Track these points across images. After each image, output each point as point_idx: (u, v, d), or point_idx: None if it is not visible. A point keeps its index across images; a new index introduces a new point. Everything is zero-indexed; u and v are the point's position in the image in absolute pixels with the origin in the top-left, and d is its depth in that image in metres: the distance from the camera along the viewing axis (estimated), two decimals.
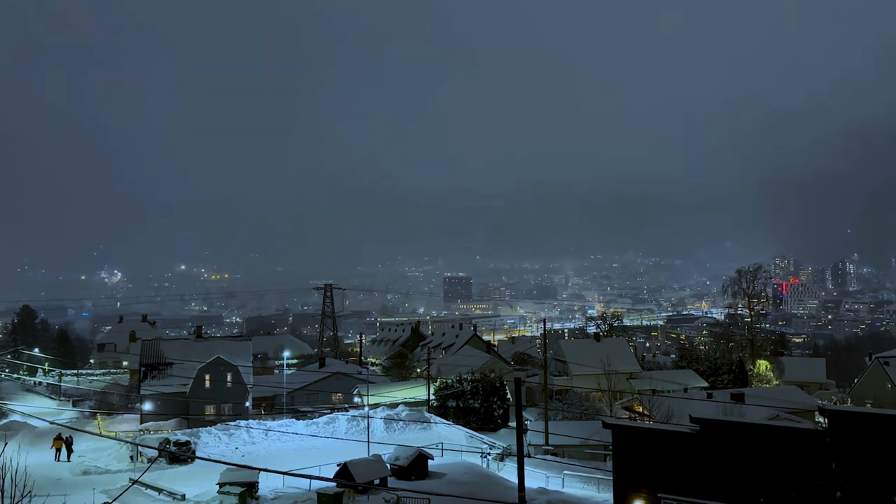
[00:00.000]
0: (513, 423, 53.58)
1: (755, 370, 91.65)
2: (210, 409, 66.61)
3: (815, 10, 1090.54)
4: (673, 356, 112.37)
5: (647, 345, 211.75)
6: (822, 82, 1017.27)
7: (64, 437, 51.41)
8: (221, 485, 38.58)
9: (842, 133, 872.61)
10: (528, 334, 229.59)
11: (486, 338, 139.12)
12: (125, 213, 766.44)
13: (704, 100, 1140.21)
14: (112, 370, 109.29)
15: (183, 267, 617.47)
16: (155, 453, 49.27)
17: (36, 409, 69.14)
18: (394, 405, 65.43)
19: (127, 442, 51.25)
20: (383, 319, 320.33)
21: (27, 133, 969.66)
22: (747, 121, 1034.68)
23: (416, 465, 43.43)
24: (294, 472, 28.27)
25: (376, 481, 39.93)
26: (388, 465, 43.20)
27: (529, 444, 53.00)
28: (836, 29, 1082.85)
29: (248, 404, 69.18)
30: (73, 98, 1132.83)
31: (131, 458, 50.42)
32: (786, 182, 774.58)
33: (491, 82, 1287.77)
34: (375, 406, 63.40)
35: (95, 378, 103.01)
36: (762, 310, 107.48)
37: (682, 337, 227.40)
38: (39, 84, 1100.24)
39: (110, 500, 28.59)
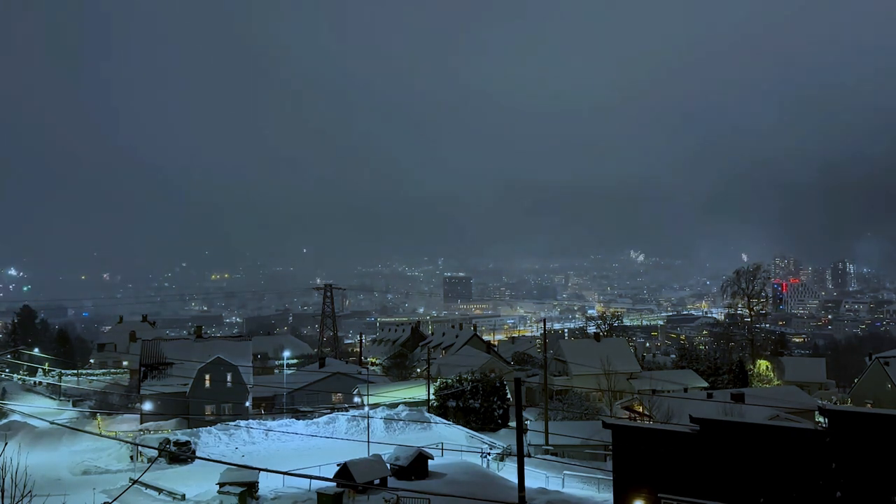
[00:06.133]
0: (513, 423, 53.58)
1: (755, 370, 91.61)
2: (210, 409, 66.61)
3: (824, 10, 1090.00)
4: (673, 356, 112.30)
5: (647, 345, 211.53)
6: (824, 81, 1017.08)
7: None
8: (221, 485, 38.60)
9: (843, 132, 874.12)
10: (528, 334, 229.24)
11: (486, 338, 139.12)
12: (125, 212, 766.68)
13: (704, 99, 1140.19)
14: (112, 370, 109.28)
15: (183, 265, 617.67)
16: (155, 453, 49.28)
17: (36, 409, 69.12)
18: (394, 405, 65.41)
19: (127, 442, 51.23)
20: (383, 319, 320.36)
21: (27, 133, 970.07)
22: (748, 120, 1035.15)
23: (416, 465, 43.42)
24: (294, 472, 28.27)
25: (376, 481, 39.93)
26: (388, 465, 43.19)
27: (529, 444, 53.00)
28: (839, 23, 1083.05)
29: (248, 404, 69.18)
30: (73, 97, 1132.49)
31: (131, 458, 50.42)
32: (786, 182, 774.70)
33: (490, 82, 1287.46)
34: (375, 406, 63.38)
35: (95, 378, 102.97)
36: (762, 310, 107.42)
37: (682, 337, 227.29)
38: (38, 82, 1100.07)
39: (110, 500, 28.57)
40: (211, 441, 54.58)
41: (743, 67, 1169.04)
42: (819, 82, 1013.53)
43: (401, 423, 60.06)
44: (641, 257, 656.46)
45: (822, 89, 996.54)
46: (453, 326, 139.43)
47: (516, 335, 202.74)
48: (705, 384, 78.81)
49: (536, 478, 44.24)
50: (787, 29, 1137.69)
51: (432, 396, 67.28)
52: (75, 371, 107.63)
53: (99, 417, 69.68)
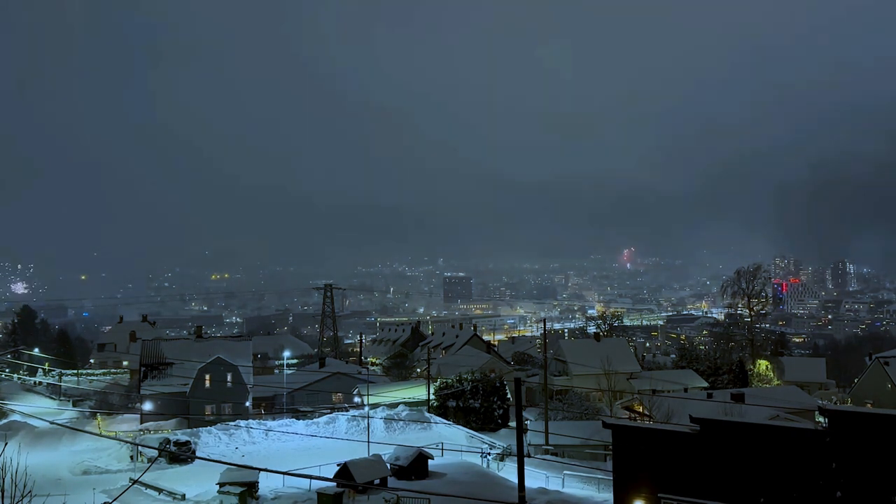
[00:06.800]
0: (513, 423, 53.60)
1: (755, 370, 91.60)
2: (210, 409, 66.61)
3: (823, 11, 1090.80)
4: (673, 356, 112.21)
5: (647, 345, 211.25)
6: (823, 79, 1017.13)
7: None
8: (221, 485, 38.62)
9: (842, 132, 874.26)
10: (528, 334, 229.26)
11: (486, 338, 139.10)
12: (125, 212, 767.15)
13: (702, 100, 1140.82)
14: (112, 370, 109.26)
15: (183, 267, 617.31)
16: (155, 453, 49.27)
17: (36, 409, 69.11)
18: (394, 405, 65.42)
19: (127, 442, 51.24)
20: (383, 319, 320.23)
21: (26, 132, 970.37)
22: (748, 120, 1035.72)
23: (416, 465, 43.44)
24: (294, 472, 28.29)
25: (376, 481, 39.94)
26: (388, 465, 43.21)
27: (529, 444, 53.04)
28: (838, 23, 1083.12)
29: (248, 404, 69.19)
30: (74, 97, 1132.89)
31: (131, 458, 50.42)
32: (786, 182, 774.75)
33: (491, 84, 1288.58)
34: (375, 406, 63.38)
35: (95, 378, 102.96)
36: (762, 310, 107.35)
37: (682, 337, 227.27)
38: (40, 83, 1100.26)
39: (110, 500, 28.57)
40: (211, 441, 54.58)
41: (742, 67, 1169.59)
42: (818, 81, 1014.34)
43: (401, 423, 60.05)
44: (642, 257, 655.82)
45: (821, 88, 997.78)
46: (453, 326, 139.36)
47: (516, 335, 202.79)
48: (705, 384, 78.80)
49: (536, 478, 44.25)
50: (786, 28, 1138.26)
51: (432, 396, 67.28)
52: (75, 371, 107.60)
53: (99, 417, 69.68)
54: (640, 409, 64.97)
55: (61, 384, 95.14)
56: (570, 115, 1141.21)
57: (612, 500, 28.07)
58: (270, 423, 60.08)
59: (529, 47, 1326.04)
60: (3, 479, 20.53)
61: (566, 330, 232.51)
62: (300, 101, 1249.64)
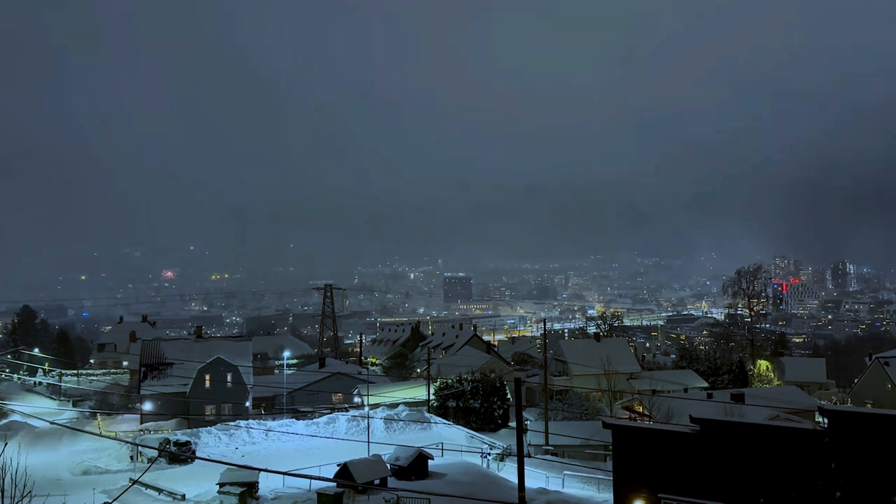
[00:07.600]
0: (513, 423, 53.58)
1: (755, 370, 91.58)
2: (210, 409, 66.60)
3: (823, 12, 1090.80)
4: (673, 356, 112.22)
5: (647, 345, 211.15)
6: (824, 80, 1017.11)
7: None
8: (221, 485, 38.61)
9: (844, 132, 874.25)
10: (528, 334, 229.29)
11: (486, 338, 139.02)
12: (125, 212, 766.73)
13: (701, 100, 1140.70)
14: (112, 370, 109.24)
15: (183, 267, 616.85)
16: (155, 453, 49.27)
17: (36, 409, 69.09)
18: (394, 405, 65.43)
19: (127, 442, 51.23)
20: (383, 320, 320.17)
21: (26, 133, 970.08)
22: (746, 120, 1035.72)
23: (416, 465, 43.43)
24: (294, 472, 28.27)
25: (376, 481, 39.93)
26: (388, 465, 43.19)
27: (529, 444, 53.01)
28: (837, 22, 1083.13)
29: (248, 404, 69.17)
30: (73, 97, 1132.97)
31: (131, 458, 50.43)
32: (786, 182, 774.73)
33: (490, 85, 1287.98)
34: (375, 406, 63.40)
35: (95, 378, 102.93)
36: (762, 310, 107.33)
37: (682, 337, 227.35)
38: (38, 84, 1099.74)
39: (110, 500, 28.57)
40: (211, 441, 54.59)
41: (744, 70, 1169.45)
42: (820, 80, 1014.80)
43: (401, 423, 60.05)
44: (642, 257, 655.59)
45: (822, 88, 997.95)
46: (453, 326, 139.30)
47: (516, 335, 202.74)
48: (705, 384, 78.80)
49: (536, 478, 44.25)
50: (789, 33, 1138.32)
51: (432, 396, 67.28)
52: (75, 371, 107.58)
53: (99, 417, 69.65)
54: (640, 410, 64.95)
55: (61, 384, 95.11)
56: (568, 114, 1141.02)
57: (612, 501, 28.04)
58: (270, 424, 60.07)
59: (522, 42, 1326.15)
60: (3, 479, 20.53)
61: (566, 330, 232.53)
62: (299, 100, 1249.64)
